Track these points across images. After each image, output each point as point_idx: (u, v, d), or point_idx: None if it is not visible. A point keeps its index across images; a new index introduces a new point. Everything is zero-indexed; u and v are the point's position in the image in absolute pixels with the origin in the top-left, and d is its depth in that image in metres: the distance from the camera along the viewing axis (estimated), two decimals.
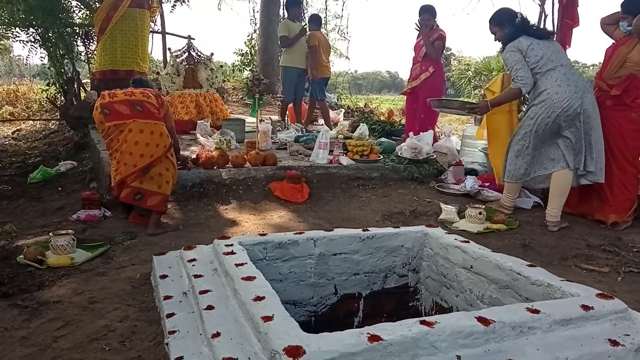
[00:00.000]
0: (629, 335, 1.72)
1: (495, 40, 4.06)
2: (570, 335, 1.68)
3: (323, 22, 15.70)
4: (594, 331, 1.72)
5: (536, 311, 1.70)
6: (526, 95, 4.11)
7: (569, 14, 5.03)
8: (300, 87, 7.24)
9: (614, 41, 4.08)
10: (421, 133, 5.62)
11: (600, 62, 4.15)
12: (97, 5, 7.04)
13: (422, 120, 5.98)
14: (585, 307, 1.77)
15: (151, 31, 8.47)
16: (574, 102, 3.68)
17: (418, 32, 5.95)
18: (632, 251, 3.45)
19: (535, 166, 3.94)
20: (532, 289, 2.09)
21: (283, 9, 13.99)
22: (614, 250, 3.41)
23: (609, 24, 4.16)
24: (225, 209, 4.09)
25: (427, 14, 5.84)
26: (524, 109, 4.38)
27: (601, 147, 3.84)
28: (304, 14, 9.54)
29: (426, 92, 5.79)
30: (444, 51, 6.37)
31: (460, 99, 4.40)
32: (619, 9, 4.00)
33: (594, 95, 3.84)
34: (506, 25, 3.92)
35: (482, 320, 1.62)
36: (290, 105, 7.58)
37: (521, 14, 3.96)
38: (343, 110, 9.72)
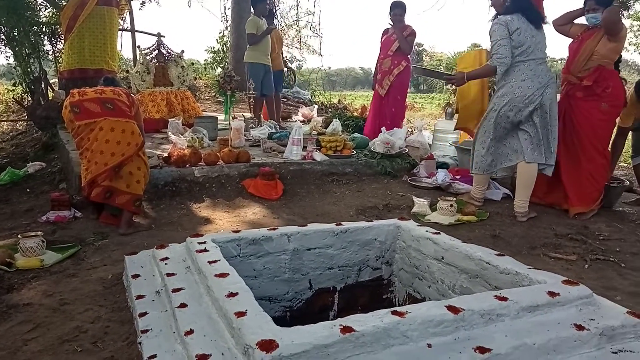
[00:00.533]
0: (594, 319, 1.77)
1: (490, 5, 4.05)
2: (537, 321, 1.73)
3: (295, 18, 15.72)
4: (560, 316, 1.77)
5: (504, 299, 1.74)
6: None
7: None
8: (268, 83, 7.20)
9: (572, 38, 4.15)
10: (394, 128, 5.67)
11: (568, 56, 4.22)
12: (64, 3, 6.89)
13: (393, 114, 6.05)
14: (552, 294, 1.82)
15: (120, 29, 8.33)
16: (535, 98, 3.76)
17: (391, 27, 6.00)
18: (598, 239, 3.55)
19: (501, 157, 4.03)
20: (501, 277, 2.14)
21: None
22: (581, 239, 3.51)
23: (562, 24, 4.21)
24: (199, 207, 4.06)
25: (399, 9, 5.91)
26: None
27: (555, 144, 3.93)
28: (275, 11, 9.52)
29: (398, 86, 5.92)
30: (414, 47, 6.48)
31: (438, 70, 4.62)
32: (580, 5, 4.08)
33: (554, 91, 3.91)
34: None
35: (452, 308, 1.65)
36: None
37: None
38: (316, 107, 9.74)
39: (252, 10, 7.50)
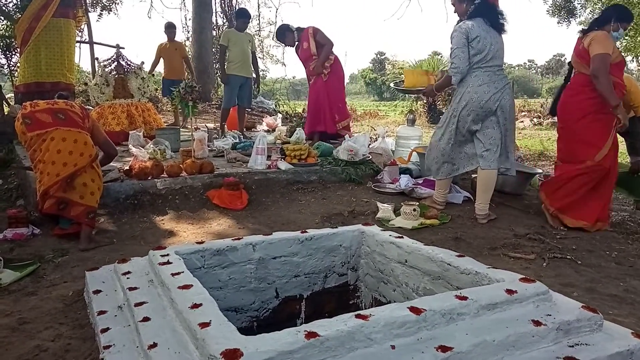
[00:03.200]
0: (550, 315, 1.83)
1: (454, 12, 4.10)
2: (496, 318, 1.77)
3: (257, 29, 15.75)
4: (518, 313, 1.82)
5: (464, 298, 1.78)
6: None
7: None
8: (243, 94, 7.20)
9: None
10: (356, 135, 5.75)
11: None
12: (19, 16, 6.73)
13: (335, 100, 6.37)
14: (510, 292, 1.87)
15: (78, 41, 8.20)
16: (492, 102, 3.87)
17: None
18: (555, 238, 3.68)
19: (463, 162, 4.12)
20: (462, 277, 2.19)
21: (216, 16, 13.91)
22: (539, 238, 3.62)
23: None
24: (162, 219, 4.00)
25: (281, 37, 6.46)
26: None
27: (513, 146, 4.08)
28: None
29: (334, 78, 6.27)
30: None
31: (413, 88, 5.07)
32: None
33: (511, 96, 4.03)
34: (465, 1, 3.98)
35: (414, 309, 1.68)
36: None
37: (480, 3, 3.93)
38: (281, 116, 9.75)
39: (213, 20, 7.62)
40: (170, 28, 8.56)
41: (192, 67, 8.83)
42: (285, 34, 6.32)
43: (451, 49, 3.95)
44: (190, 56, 12.86)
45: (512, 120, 4.01)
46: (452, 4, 4.10)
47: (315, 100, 6.45)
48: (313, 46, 6.09)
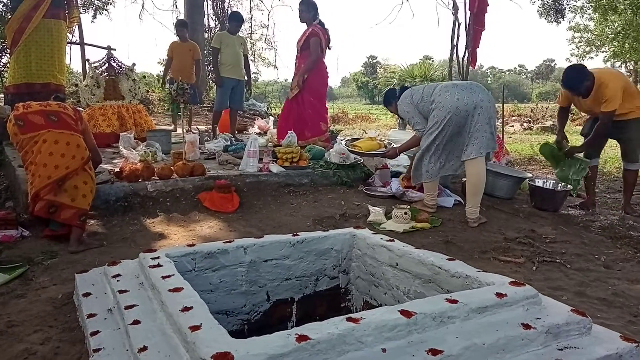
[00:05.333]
0: (539, 318, 1.84)
1: (392, 112, 4.71)
2: (486, 321, 1.78)
3: (249, 31, 15.76)
4: (508, 317, 1.83)
5: (454, 301, 1.79)
6: None
7: (479, 21, 5.42)
8: (235, 97, 7.19)
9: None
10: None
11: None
12: (9, 16, 6.68)
13: (311, 117, 6.29)
14: (500, 295, 1.89)
15: (69, 42, 8.14)
16: (466, 99, 3.94)
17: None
18: (545, 242, 3.70)
19: (451, 160, 4.18)
20: (452, 281, 2.20)
21: (208, 19, 13.90)
22: (529, 242, 3.65)
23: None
24: (152, 222, 3.99)
25: (302, 5, 6.23)
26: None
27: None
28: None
29: (309, 90, 6.20)
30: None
31: (372, 151, 5.25)
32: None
33: (488, 93, 4.09)
34: (392, 101, 4.53)
35: (405, 313, 1.69)
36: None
37: (400, 86, 4.56)
38: (273, 119, 9.75)
39: (205, 22, 7.56)
40: (180, 27, 8.29)
41: (200, 71, 8.57)
42: (308, 6, 6.19)
43: (408, 119, 4.36)
44: None
45: (493, 112, 4.12)
46: (389, 111, 4.72)
47: (281, 118, 6.60)
48: (300, 43, 6.10)
